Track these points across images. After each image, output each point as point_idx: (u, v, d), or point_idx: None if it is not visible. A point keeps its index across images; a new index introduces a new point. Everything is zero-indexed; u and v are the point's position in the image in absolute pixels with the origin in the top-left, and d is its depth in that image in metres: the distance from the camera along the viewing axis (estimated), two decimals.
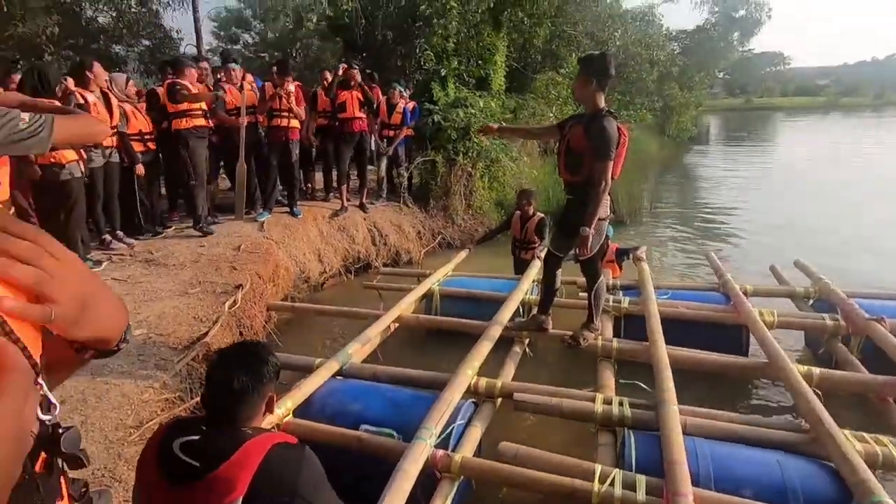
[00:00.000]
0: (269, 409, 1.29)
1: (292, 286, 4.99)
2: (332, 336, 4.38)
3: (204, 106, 4.80)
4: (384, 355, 3.54)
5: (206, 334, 3.19)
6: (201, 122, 4.79)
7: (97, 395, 2.45)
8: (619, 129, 2.84)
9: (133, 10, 10.53)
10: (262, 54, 21.58)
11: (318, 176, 6.78)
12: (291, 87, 5.14)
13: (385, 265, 6.20)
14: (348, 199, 6.23)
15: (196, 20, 9.68)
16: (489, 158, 7.70)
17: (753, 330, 3.28)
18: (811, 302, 3.96)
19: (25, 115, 1.34)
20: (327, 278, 5.68)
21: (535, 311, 3.83)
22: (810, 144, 23.58)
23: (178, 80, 4.61)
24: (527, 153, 10.16)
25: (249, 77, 5.66)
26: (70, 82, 3.88)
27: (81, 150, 3.71)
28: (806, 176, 14.08)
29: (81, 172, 3.78)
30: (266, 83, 5.24)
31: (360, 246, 6.06)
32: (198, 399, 2.77)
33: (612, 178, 2.93)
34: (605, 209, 3.06)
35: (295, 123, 5.31)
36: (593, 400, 2.53)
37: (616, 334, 3.55)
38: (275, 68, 5.26)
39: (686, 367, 2.98)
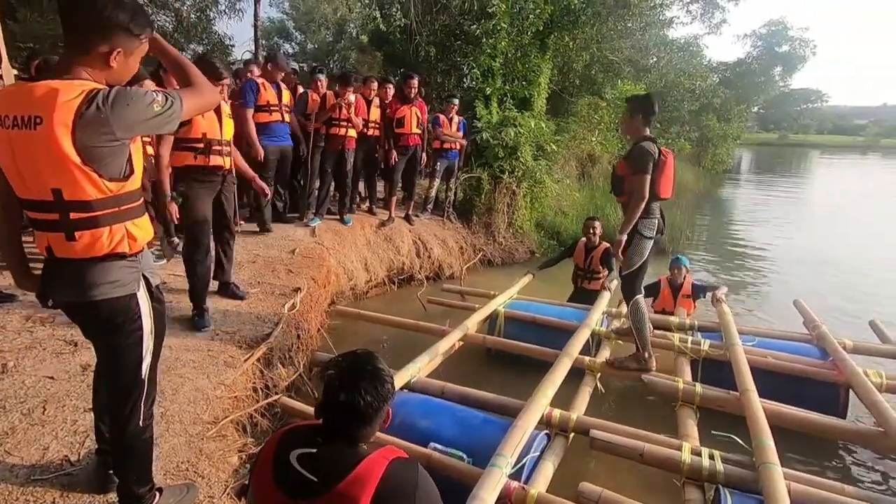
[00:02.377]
0: (384, 423, 1.27)
1: (339, 293, 5.02)
2: (377, 345, 4.38)
3: None
4: (445, 372, 3.51)
5: (269, 336, 3.20)
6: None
7: (173, 389, 2.47)
8: (660, 150, 3.02)
9: (192, 17, 10.92)
10: (301, 64, 22.19)
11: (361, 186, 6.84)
12: (352, 97, 5.23)
13: (428, 278, 6.22)
14: (396, 212, 6.28)
15: (255, 28, 10.00)
16: (533, 179, 7.69)
17: (861, 393, 2.98)
18: None
19: (160, 97, 1.39)
20: (371, 287, 5.70)
21: (604, 344, 3.78)
22: (851, 183, 23.17)
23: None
24: (566, 175, 10.15)
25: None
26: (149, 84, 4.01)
27: None
28: (846, 214, 13.79)
29: None
30: (328, 92, 5.34)
31: (404, 257, 6.07)
32: (267, 400, 2.77)
33: (662, 198, 3.09)
34: (650, 228, 3.14)
35: (352, 133, 5.39)
36: (679, 448, 2.40)
37: (694, 379, 3.32)
38: (338, 79, 5.43)
39: (781, 425, 2.73)
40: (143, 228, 1.51)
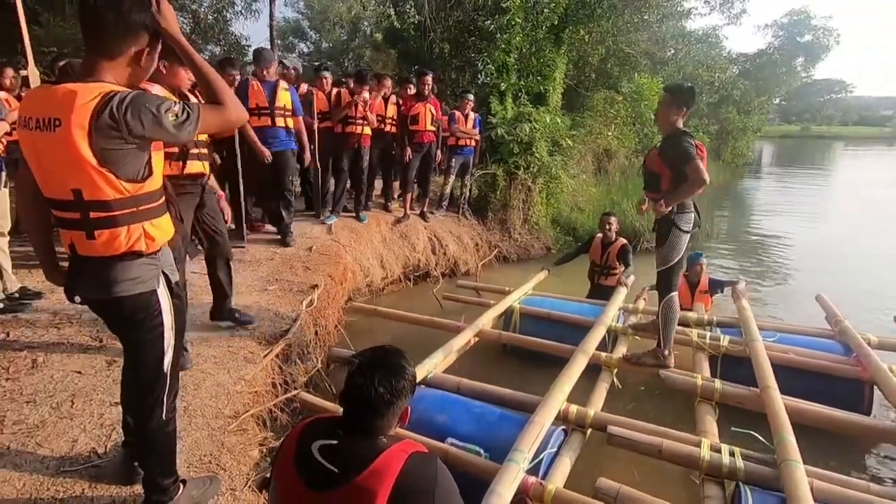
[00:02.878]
0: (403, 420, 1.28)
1: (356, 289, 5.06)
2: (394, 341, 4.40)
3: None
4: (460, 368, 3.51)
5: (287, 331, 3.24)
6: None
7: (195, 384, 2.52)
8: (696, 144, 2.92)
9: (209, 18, 11.07)
10: (316, 63, 22.40)
11: (377, 183, 6.86)
12: (367, 95, 5.25)
13: (443, 275, 6.22)
14: (412, 209, 6.29)
15: (271, 27, 10.10)
16: (549, 174, 7.63)
17: (886, 389, 2.92)
18: None
19: (177, 108, 1.39)
20: (387, 283, 5.73)
21: (620, 340, 3.74)
22: (876, 174, 22.57)
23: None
24: (582, 170, 10.06)
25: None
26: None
27: None
28: (870, 205, 13.45)
29: None
30: (342, 90, 5.36)
31: (420, 254, 6.09)
32: (286, 395, 2.81)
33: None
34: (687, 222, 3.05)
35: (367, 131, 5.41)
36: (698, 445, 2.37)
37: (713, 375, 3.28)
38: (352, 77, 5.44)
39: (802, 422, 2.69)
40: (161, 228, 1.53)
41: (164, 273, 1.57)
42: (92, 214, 1.38)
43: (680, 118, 2.98)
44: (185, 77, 2.34)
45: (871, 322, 4.56)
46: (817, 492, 2.06)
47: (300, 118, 4.76)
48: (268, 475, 2.06)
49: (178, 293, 1.65)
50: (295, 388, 2.98)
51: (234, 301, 3.26)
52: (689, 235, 3.09)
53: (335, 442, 1.18)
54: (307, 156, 4.99)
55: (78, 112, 1.28)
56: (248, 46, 13.40)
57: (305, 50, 25.37)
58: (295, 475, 1.17)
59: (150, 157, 1.44)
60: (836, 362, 3.35)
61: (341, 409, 1.25)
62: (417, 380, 2.78)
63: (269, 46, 10.05)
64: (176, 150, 2.64)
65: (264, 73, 4.50)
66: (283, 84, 4.57)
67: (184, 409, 2.31)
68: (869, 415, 3.14)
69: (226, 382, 2.59)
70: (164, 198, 1.57)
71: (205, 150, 2.84)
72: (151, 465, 1.69)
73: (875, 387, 3.12)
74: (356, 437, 1.19)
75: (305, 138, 4.93)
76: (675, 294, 3.16)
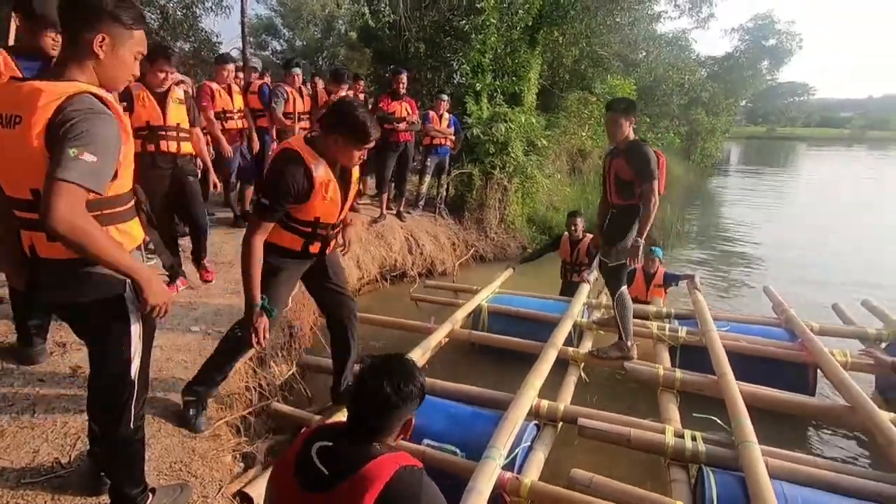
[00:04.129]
0: (406, 431, 1.26)
1: None
2: (365, 343, 4.39)
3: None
4: (432, 368, 3.52)
5: None
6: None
7: (165, 389, 2.46)
8: (655, 152, 3.10)
9: (178, 14, 10.81)
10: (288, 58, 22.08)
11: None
12: (344, 94, 5.20)
13: (420, 275, 6.21)
14: (388, 208, 6.27)
15: (242, 24, 9.92)
16: (524, 174, 7.71)
17: (827, 371, 3.16)
18: (884, 345, 3.80)
19: (88, 154, 1.25)
20: (364, 284, 5.69)
21: (585, 334, 3.84)
22: (835, 174, 23.65)
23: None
24: (557, 170, 10.19)
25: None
26: None
27: None
28: (828, 205, 14.08)
29: None
30: (320, 90, 5.30)
31: (396, 254, 6.07)
32: (259, 405, 2.77)
33: (659, 194, 3.14)
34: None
35: None
36: (663, 432, 2.48)
37: (672, 365, 3.45)
38: (329, 76, 5.35)
39: (756, 405, 2.85)
40: (128, 233, 1.48)
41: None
42: None
43: (630, 127, 3.15)
44: (160, 77, 2.32)
45: (814, 310, 4.81)
46: (772, 469, 2.19)
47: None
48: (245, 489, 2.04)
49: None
50: (270, 393, 2.94)
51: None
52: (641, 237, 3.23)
53: (331, 444, 1.19)
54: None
55: (39, 111, 1.24)
56: (219, 43, 13.12)
57: (279, 48, 24.96)
58: (292, 475, 1.18)
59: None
60: (784, 348, 3.58)
61: (325, 418, 1.25)
62: None
63: (240, 44, 9.90)
64: (146, 131, 2.82)
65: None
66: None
67: (153, 415, 2.25)
68: (814, 395, 3.38)
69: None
70: (132, 202, 1.52)
71: (176, 132, 3.02)
72: (118, 475, 1.65)
73: (818, 369, 3.36)
74: (354, 442, 1.19)
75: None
76: (625, 287, 3.34)
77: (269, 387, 3.00)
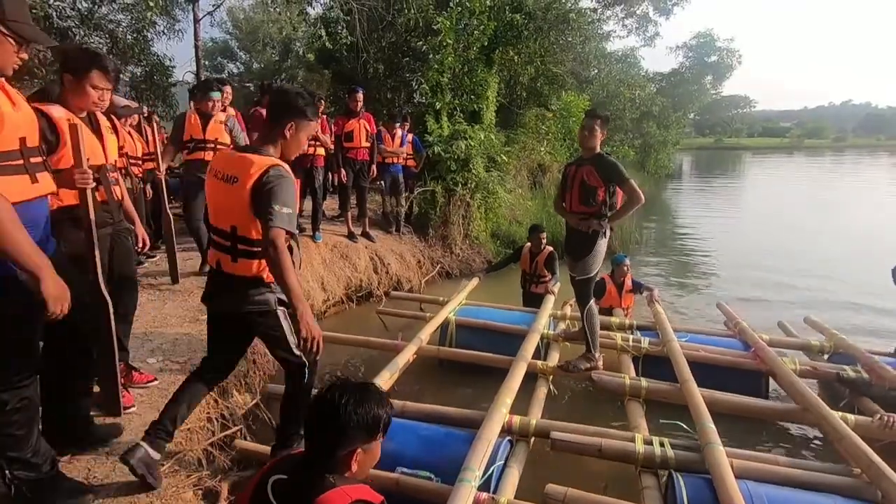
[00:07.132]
0: (361, 463, 1.20)
1: None
2: (338, 365, 4.31)
3: None
4: (401, 388, 3.48)
5: None
6: None
7: (124, 421, 2.34)
8: None
9: (129, 38, 10.54)
10: (248, 84, 21.81)
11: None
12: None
13: (386, 294, 6.15)
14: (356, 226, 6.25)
15: (196, 48, 9.74)
16: (486, 190, 7.82)
17: (780, 376, 3.36)
18: (826, 356, 4.07)
19: (291, 203, 1.85)
20: (329, 306, 5.60)
21: (552, 346, 3.88)
22: (776, 182, 25.18)
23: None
24: (518, 185, 10.39)
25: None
26: None
27: None
28: (773, 212, 14.95)
29: None
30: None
31: (362, 274, 6.01)
32: (222, 433, 2.66)
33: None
34: (605, 233, 3.29)
35: (321, 151, 5.38)
36: (632, 440, 2.53)
37: (637, 374, 3.54)
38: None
39: (716, 409, 2.91)
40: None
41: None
42: (239, 246, 1.88)
43: (601, 140, 3.29)
44: (93, 97, 2.07)
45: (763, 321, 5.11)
46: (737, 469, 2.27)
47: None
48: None
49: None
50: (234, 423, 2.82)
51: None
52: (605, 241, 3.33)
53: (286, 476, 1.15)
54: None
55: (251, 177, 1.80)
56: (173, 67, 12.83)
57: (235, 70, 24.60)
58: None
59: None
60: (739, 357, 3.77)
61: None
62: None
63: (194, 67, 9.71)
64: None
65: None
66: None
67: (107, 453, 2.13)
68: (767, 399, 3.56)
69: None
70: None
71: (115, 174, 2.37)
72: None
73: (770, 376, 3.58)
74: (308, 473, 1.15)
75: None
76: (593, 301, 3.43)
77: (231, 416, 2.88)
